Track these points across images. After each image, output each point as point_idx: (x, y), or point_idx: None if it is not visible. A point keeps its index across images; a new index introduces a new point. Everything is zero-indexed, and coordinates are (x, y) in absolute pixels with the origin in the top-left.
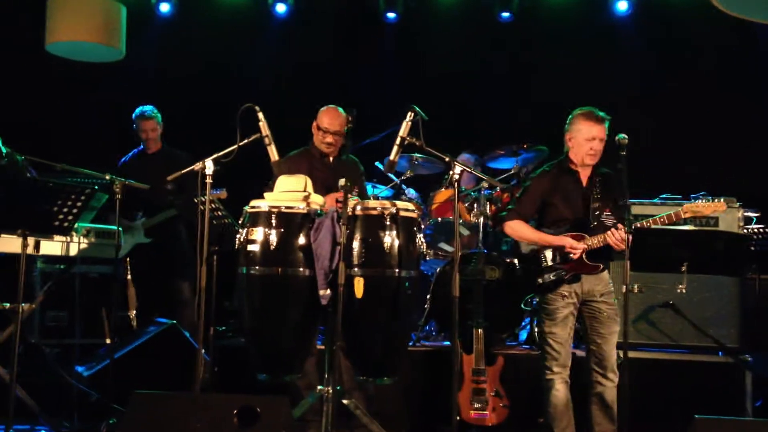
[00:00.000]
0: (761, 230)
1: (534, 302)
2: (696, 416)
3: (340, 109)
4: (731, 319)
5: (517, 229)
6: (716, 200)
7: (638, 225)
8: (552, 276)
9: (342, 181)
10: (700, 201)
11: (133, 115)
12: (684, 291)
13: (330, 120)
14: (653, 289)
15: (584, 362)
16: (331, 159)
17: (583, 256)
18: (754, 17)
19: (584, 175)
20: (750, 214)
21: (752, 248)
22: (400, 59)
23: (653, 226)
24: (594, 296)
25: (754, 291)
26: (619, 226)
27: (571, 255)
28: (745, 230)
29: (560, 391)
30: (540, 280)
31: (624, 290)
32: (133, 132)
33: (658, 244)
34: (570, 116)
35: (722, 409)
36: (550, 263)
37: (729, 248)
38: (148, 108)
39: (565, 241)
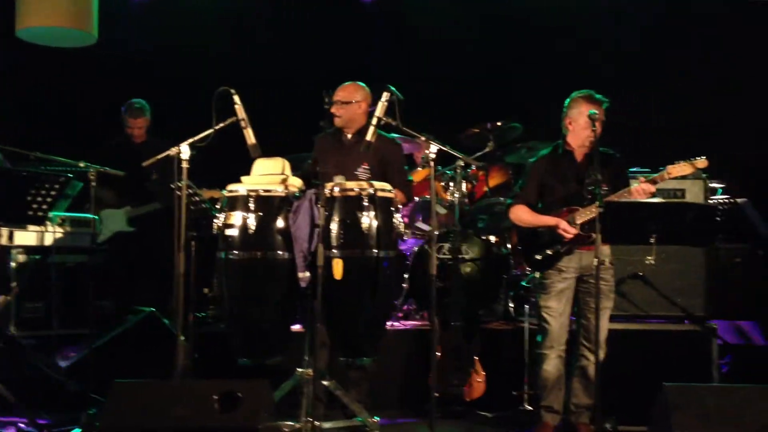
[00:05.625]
0: (726, 201)
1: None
2: (664, 383)
3: (359, 83)
4: (698, 289)
5: (518, 214)
6: (696, 159)
7: (614, 197)
8: (549, 252)
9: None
10: (681, 162)
11: (122, 108)
12: (653, 262)
13: (338, 90)
14: (623, 262)
15: (573, 335)
16: (348, 137)
17: (578, 227)
18: None
19: (581, 154)
20: (715, 185)
21: (718, 219)
22: (380, 37)
23: (625, 199)
24: (592, 272)
25: (720, 261)
26: (642, 179)
27: (564, 238)
28: (710, 201)
29: (551, 365)
30: (538, 257)
31: (596, 263)
32: (119, 121)
33: (628, 217)
34: (568, 100)
35: (690, 377)
36: (546, 239)
37: (696, 219)
38: (138, 103)
39: (559, 222)
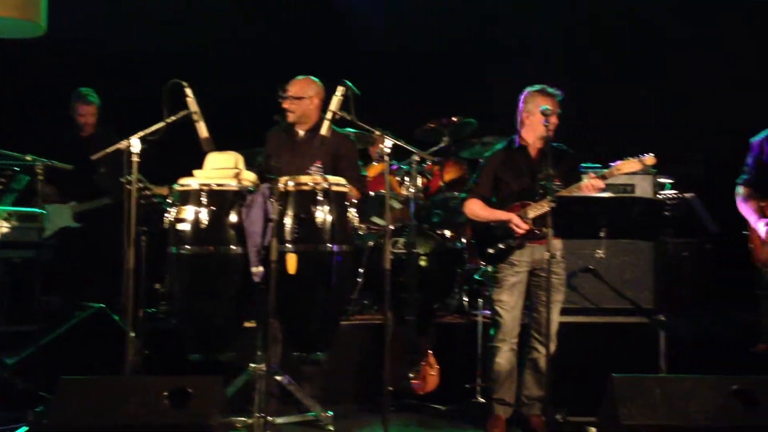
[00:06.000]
0: (674, 196)
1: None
2: (613, 375)
3: (312, 78)
4: (647, 282)
5: (471, 207)
6: (645, 156)
7: (565, 192)
8: (501, 245)
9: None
10: (630, 158)
11: (72, 97)
12: (603, 256)
13: (290, 85)
14: (574, 255)
15: (526, 328)
16: (300, 133)
17: (530, 222)
18: None
19: (534, 149)
20: (664, 180)
21: (666, 213)
22: (332, 34)
23: (575, 194)
24: (543, 265)
25: (668, 254)
26: (591, 174)
27: (516, 232)
28: (659, 196)
29: (503, 358)
30: (491, 250)
31: (547, 257)
32: (68, 111)
33: (578, 211)
34: (522, 95)
35: (638, 368)
36: (499, 233)
37: (645, 213)
38: (87, 91)
39: (511, 217)
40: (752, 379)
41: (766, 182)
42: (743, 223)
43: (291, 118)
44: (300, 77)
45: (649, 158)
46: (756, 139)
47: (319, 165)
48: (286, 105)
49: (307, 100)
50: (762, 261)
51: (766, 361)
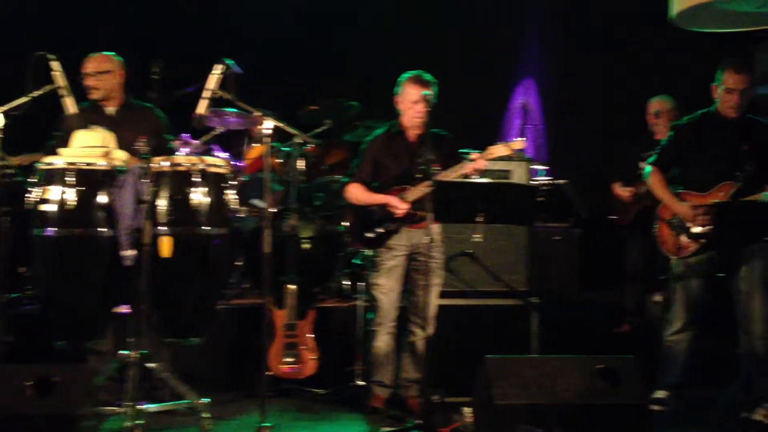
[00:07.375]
0: (548, 182)
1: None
2: (486, 356)
3: (107, 53)
4: (521, 265)
5: (353, 191)
6: (514, 140)
7: (440, 176)
8: (379, 229)
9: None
10: (500, 143)
11: None
12: (480, 240)
13: (88, 62)
14: (452, 239)
15: (404, 311)
16: (109, 109)
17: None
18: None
19: (413, 134)
20: (538, 167)
21: (540, 199)
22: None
23: (453, 179)
24: (422, 249)
25: (541, 238)
26: (474, 155)
27: (395, 213)
28: (533, 182)
29: (381, 341)
30: (369, 234)
31: (426, 241)
32: None
33: (456, 196)
34: (399, 80)
35: (512, 349)
36: (378, 217)
37: (520, 199)
38: None
39: (389, 199)
40: (616, 359)
41: (683, 168)
42: (611, 208)
43: (97, 95)
44: (96, 53)
45: (518, 142)
46: (679, 124)
47: (144, 139)
48: (90, 83)
49: (111, 75)
50: (669, 249)
51: (629, 341)
